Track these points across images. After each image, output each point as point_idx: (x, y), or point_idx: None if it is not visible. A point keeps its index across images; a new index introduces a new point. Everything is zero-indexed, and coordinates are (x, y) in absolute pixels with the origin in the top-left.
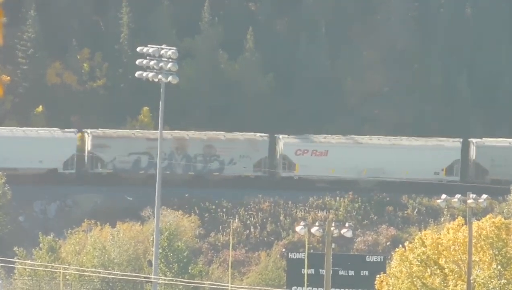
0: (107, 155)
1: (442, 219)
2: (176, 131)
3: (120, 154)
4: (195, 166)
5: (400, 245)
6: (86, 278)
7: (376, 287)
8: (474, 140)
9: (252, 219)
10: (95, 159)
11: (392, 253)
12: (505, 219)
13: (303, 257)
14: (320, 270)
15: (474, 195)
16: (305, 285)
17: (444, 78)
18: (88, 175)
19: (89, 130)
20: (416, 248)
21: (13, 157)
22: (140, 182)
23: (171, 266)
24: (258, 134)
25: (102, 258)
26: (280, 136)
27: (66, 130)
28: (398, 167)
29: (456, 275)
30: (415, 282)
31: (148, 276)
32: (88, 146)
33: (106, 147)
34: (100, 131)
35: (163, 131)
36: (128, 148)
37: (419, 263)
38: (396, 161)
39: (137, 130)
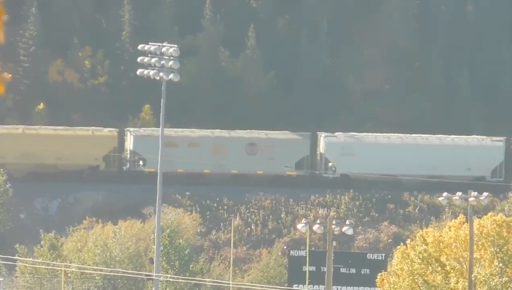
0: None
1: (444, 216)
2: None
3: None
4: None
5: (402, 243)
6: (87, 275)
7: (377, 285)
8: None
9: (254, 216)
10: None
11: (394, 250)
12: (506, 217)
13: (304, 255)
14: (322, 267)
15: (476, 193)
16: (307, 282)
17: (445, 77)
18: None
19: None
20: (418, 245)
21: (440, 165)
22: None
23: (172, 263)
24: None
25: (103, 255)
26: None
27: (494, 138)
28: None
29: (457, 273)
30: (416, 280)
31: (150, 273)
32: None
33: None
34: None
35: None
36: None
37: (420, 261)
38: None
39: None
